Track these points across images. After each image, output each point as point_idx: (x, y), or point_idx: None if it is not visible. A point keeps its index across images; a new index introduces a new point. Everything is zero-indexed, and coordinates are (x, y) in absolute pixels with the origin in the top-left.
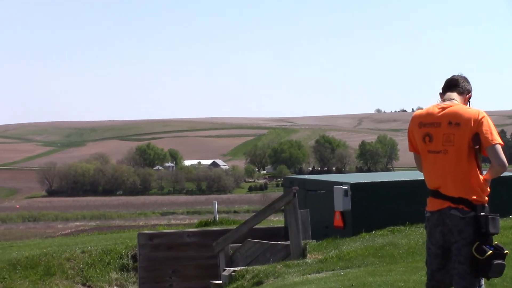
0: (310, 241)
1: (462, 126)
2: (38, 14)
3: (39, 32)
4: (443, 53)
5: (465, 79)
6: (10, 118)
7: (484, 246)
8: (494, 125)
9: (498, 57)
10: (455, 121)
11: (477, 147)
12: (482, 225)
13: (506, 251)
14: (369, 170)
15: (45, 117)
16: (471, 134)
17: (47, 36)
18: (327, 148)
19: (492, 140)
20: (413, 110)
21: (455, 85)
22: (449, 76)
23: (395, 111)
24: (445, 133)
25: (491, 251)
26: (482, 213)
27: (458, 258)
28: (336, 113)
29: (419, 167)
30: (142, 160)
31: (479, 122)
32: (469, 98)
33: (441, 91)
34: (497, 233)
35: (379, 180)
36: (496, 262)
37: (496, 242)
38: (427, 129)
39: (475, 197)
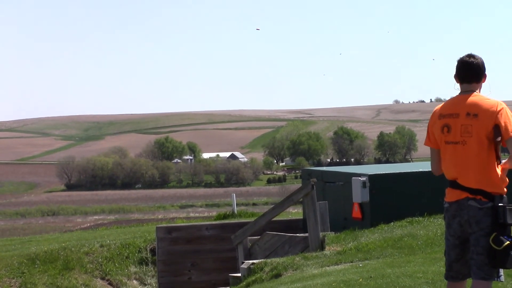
0: (329, 233)
1: (480, 117)
2: (57, 8)
3: (57, 25)
4: (462, 42)
5: (479, 65)
6: (29, 113)
7: (501, 237)
8: None
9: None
10: (473, 112)
11: (499, 139)
12: (500, 216)
13: None
14: (387, 161)
15: (63, 111)
16: (489, 125)
17: (65, 30)
18: (345, 140)
19: (511, 133)
20: (431, 101)
21: (471, 75)
22: (461, 59)
23: (414, 102)
24: (463, 124)
25: (508, 242)
26: (500, 204)
27: (476, 249)
28: (354, 104)
29: (433, 162)
30: (161, 153)
31: (498, 114)
32: (485, 79)
33: (455, 74)
34: None
35: (397, 171)
36: None
37: None
38: (446, 120)
39: (493, 188)
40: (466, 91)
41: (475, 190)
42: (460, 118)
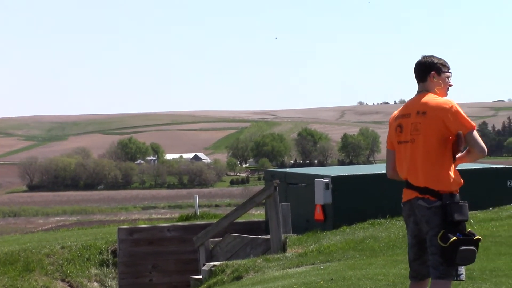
0: (291, 235)
1: (428, 115)
2: (21, 5)
3: (19, 24)
4: (426, 45)
5: (425, 63)
6: None
7: (449, 234)
8: (466, 114)
9: (479, 49)
10: (422, 110)
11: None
12: (448, 213)
13: (476, 237)
14: (351, 163)
15: (26, 111)
16: (437, 123)
17: (28, 29)
18: (309, 141)
19: (470, 127)
20: (395, 102)
21: (419, 75)
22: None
23: (378, 103)
24: (413, 122)
25: (454, 238)
26: (448, 202)
27: (430, 249)
28: (318, 105)
29: (387, 164)
30: (124, 154)
31: (447, 111)
32: (439, 75)
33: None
34: (465, 220)
35: (360, 173)
36: (462, 248)
37: (469, 230)
38: (400, 120)
39: (441, 186)
40: (419, 91)
41: (423, 189)
42: (411, 118)
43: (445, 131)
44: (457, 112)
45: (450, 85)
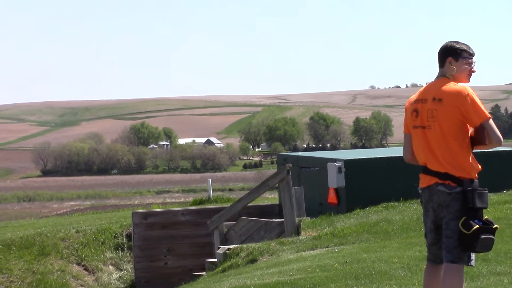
0: (304, 218)
1: (444, 102)
2: None
3: (30, 12)
4: (437, 28)
5: (444, 48)
6: (3, 99)
7: (471, 221)
8: (481, 100)
9: (490, 32)
10: (438, 97)
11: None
12: (469, 200)
13: (495, 226)
14: (363, 147)
15: (38, 97)
16: (454, 110)
17: (39, 17)
18: (321, 125)
19: (485, 117)
20: (407, 86)
21: (439, 59)
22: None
23: (389, 87)
24: (429, 108)
25: (477, 226)
26: (469, 188)
27: (445, 232)
28: (330, 89)
29: (404, 148)
30: (137, 139)
31: (463, 98)
32: (468, 64)
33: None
34: (485, 208)
35: (373, 157)
36: (483, 236)
37: (486, 217)
38: (416, 105)
39: (461, 172)
40: (438, 76)
41: (444, 175)
42: (427, 103)
43: (462, 118)
44: (473, 100)
45: (473, 71)
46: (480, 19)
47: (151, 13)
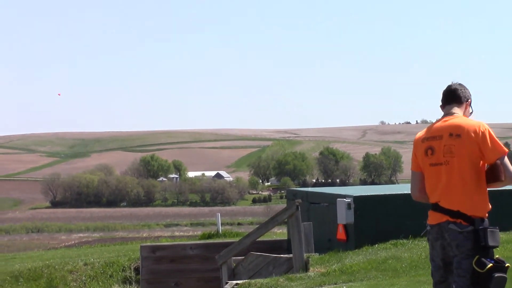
0: (313, 254)
1: (463, 137)
2: (41, 24)
3: (41, 42)
4: (447, 65)
5: (461, 87)
6: (14, 129)
7: (484, 259)
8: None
9: (501, 69)
10: (456, 132)
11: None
12: (481, 239)
13: (507, 264)
14: (373, 183)
15: (49, 128)
16: (472, 145)
17: (50, 46)
18: (331, 160)
19: (503, 153)
20: (417, 122)
21: (452, 97)
22: (445, 87)
23: (399, 123)
24: (446, 144)
25: (491, 264)
26: (481, 227)
27: (457, 271)
28: (340, 125)
29: (412, 185)
30: (146, 172)
31: (482, 134)
32: (470, 103)
33: (441, 104)
34: (497, 246)
35: (382, 193)
36: (497, 275)
37: (497, 256)
38: (430, 142)
39: (474, 211)
40: (447, 113)
41: (456, 213)
42: (443, 140)
43: (479, 154)
44: (491, 136)
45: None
46: (489, 56)
47: (162, 46)
